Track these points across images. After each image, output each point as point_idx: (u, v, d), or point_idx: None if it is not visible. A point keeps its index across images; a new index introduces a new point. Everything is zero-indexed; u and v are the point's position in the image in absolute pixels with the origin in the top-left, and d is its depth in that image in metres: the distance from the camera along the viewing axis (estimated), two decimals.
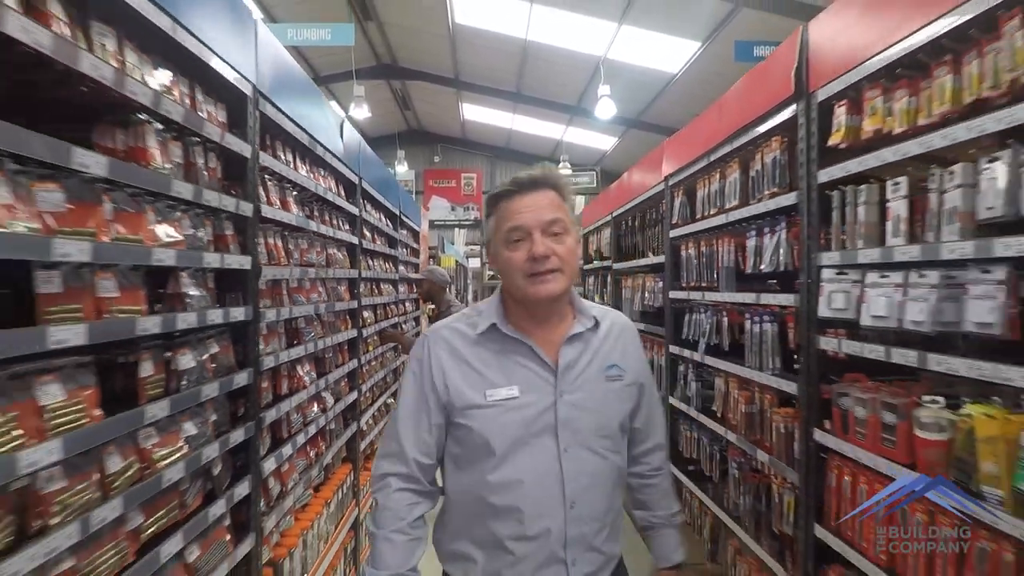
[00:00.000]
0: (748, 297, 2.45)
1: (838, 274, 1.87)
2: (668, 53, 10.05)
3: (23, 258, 1.04)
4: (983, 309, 1.36)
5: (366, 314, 3.73)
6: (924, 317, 1.51)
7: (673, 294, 3.39)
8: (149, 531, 1.44)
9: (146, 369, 1.47)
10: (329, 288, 2.96)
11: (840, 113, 1.86)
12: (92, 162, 1.18)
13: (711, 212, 2.88)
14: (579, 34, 9.98)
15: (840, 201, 1.88)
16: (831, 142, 1.89)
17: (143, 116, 1.44)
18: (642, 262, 4.07)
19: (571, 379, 1.25)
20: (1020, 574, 1.29)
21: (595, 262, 5.60)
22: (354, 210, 3.37)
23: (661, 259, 3.56)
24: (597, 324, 1.31)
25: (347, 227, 3.33)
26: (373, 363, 4.08)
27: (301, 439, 2.47)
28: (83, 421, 1.21)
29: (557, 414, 1.22)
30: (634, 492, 1.45)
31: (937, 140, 1.47)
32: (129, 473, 1.36)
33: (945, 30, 1.46)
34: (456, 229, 16.78)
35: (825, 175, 1.92)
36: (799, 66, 2.03)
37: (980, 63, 1.40)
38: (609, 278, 5.01)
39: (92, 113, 1.42)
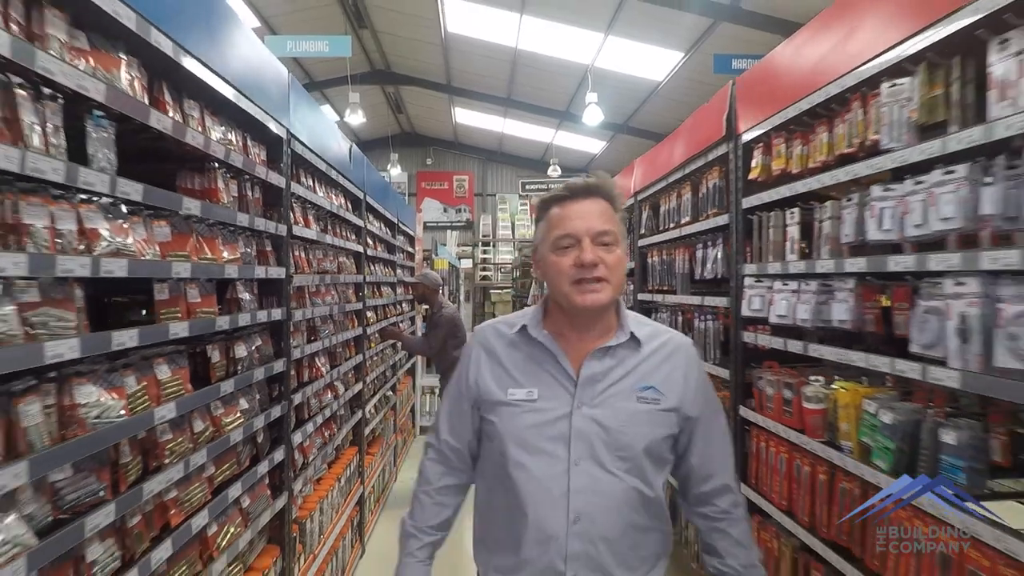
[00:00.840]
0: (695, 300, 2.95)
1: (756, 281, 2.38)
2: (653, 62, 10.57)
3: (153, 276, 1.53)
4: (841, 310, 1.87)
5: (369, 314, 4.22)
6: (808, 316, 2.02)
7: (641, 296, 3.89)
8: (219, 478, 1.92)
9: (215, 356, 1.95)
10: (339, 291, 3.44)
11: (757, 154, 2.37)
12: (192, 206, 1.66)
13: (670, 225, 3.38)
14: (567, 43, 10.47)
15: (758, 224, 2.39)
16: (751, 176, 2.39)
17: (215, 164, 1.92)
18: None
19: (594, 392, 1.22)
20: (863, 501, 1.79)
21: None
22: (359, 222, 3.85)
23: (631, 265, 4.07)
24: (636, 340, 1.26)
25: (353, 237, 3.81)
26: (375, 358, 4.56)
27: (319, 420, 2.95)
28: (181, 392, 1.69)
29: (572, 424, 1.20)
30: (703, 536, 1.35)
31: (814, 183, 1.98)
32: (207, 433, 1.84)
33: (821, 100, 1.96)
34: (448, 231, 17.25)
35: (747, 202, 2.42)
36: (729, 113, 2.53)
37: (843, 127, 1.91)
38: None
39: (166, 155, 1.88)
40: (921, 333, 1.55)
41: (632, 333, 1.26)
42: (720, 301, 2.69)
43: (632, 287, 4.12)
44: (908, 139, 1.61)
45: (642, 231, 3.86)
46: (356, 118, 10.64)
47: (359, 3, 10.39)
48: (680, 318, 3.31)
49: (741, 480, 2.51)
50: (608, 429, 1.20)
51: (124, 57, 1.44)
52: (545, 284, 1.28)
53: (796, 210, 2.13)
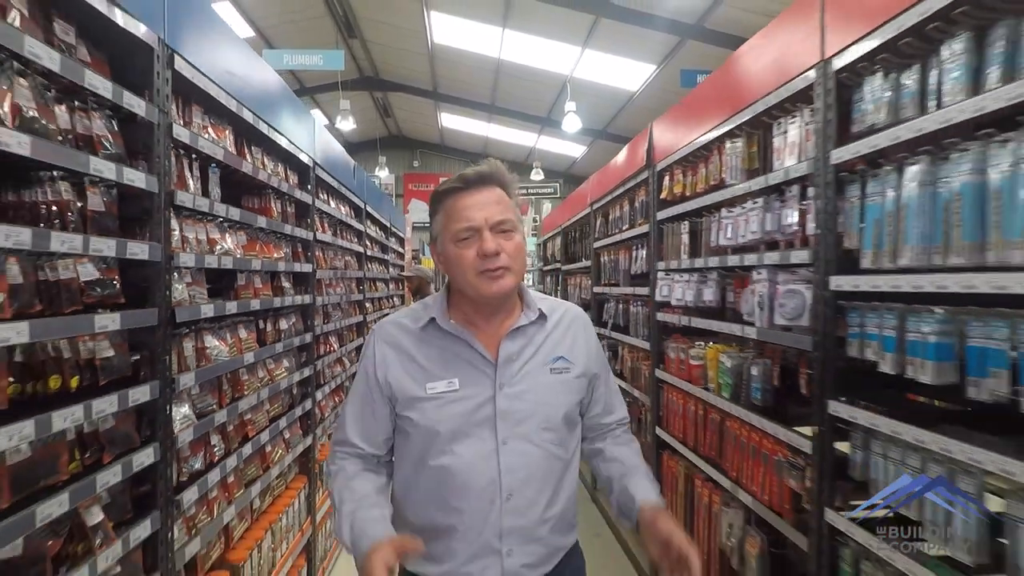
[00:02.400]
0: (630, 290, 3.84)
1: (664, 275, 3.26)
2: (628, 74, 11.51)
3: (239, 268, 2.37)
4: (709, 293, 2.76)
5: (368, 304, 5.07)
6: (692, 299, 2.90)
7: (596, 289, 4.78)
8: (272, 412, 2.76)
9: (268, 327, 2.79)
10: (346, 284, 4.29)
11: (666, 179, 3.25)
12: (262, 221, 2.51)
13: (616, 231, 4.26)
14: (548, 55, 11.37)
15: (668, 232, 3.27)
16: (662, 196, 3.27)
17: (269, 189, 2.77)
18: (580, 265, 5.46)
19: (512, 372, 1.29)
20: (723, 425, 2.66)
21: (551, 264, 6.99)
22: (361, 227, 4.70)
23: (589, 263, 4.95)
24: (544, 317, 1.35)
25: (355, 239, 4.66)
26: None
27: (330, 387, 3.80)
28: (253, 347, 2.53)
29: (496, 406, 1.25)
30: (603, 458, 1.47)
31: (694, 204, 2.86)
32: (265, 379, 2.68)
33: (698, 146, 2.84)
34: None
35: (660, 215, 3.30)
36: (648, 148, 3.42)
37: (710, 166, 2.79)
38: (560, 278, 6.41)
39: (234, 182, 2.72)
40: (745, 305, 2.43)
41: (540, 310, 1.35)
42: (644, 291, 3.57)
43: (590, 282, 5.00)
44: (740, 178, 2.49)
45: (596, 235, 4.74)
46: (347, 124, 11.46)
47: (349, 15, 11.21)
48: (622, 305, 4.20)
49: (656, 425, 3.39)
50: (531, 403, 1.28)
51: (228, 127, 2.29)
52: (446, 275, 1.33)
53: (687, 222, 3.01)
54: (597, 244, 4.72)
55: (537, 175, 16.13)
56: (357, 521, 1.22)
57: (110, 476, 1.50)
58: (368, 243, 5.12)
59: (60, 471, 1.39)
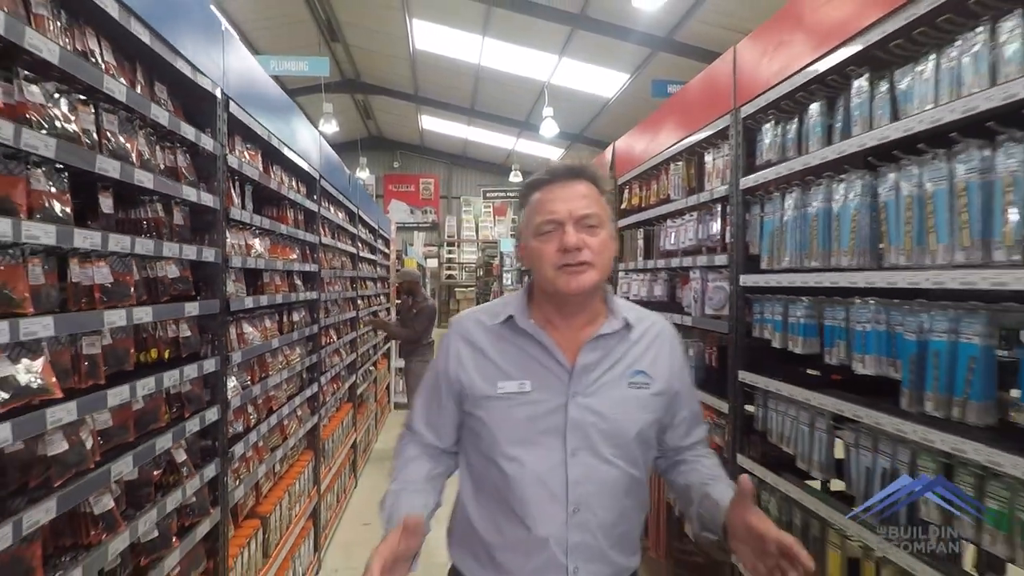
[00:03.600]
0: None
1: (625, 274, 3.84)
2: (603, 81, 12.12)
3: (267, 269, 2.88)
4: (658, 290, 3.34)
5: (360, 302, 5.58)
6: (645, 294, 3.48)
7: None
8: (289, 391, 3.28)
9: (285, 318, 3.30)
10: (341, 283, 4.80)
11: (627, 192, 3.83)
12: (284, 229, 3.02)
13: None
14: (526, 63, 11.93)
15: (627, 237, 3.85)
16: (623, 207, 3.85)
17: (286, 201, 3.28)
18: None
19: (588, 382, 1.24)
20: None
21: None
22: (354, 231, 5.21)
23: None
24: (629, 327, 1.29)
25: (349, 242, 5.17)
26: (363, 336, 5.92)
27: (331, 374, 4.31)
28: (276, 335, 3.04)
29: (568, 415, 1.22)
30: (679, 471, 1.39)
31: (648, 215, 3.44)
32: (284, 363, 3.19)
33: (649, 167, 3.42)
34: (415, 232, 18.53)
35: (622, 223, 3.88)
36: (612, 163, 3.99)
37: (660, 183, 3.37)
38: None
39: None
40: (685, 299, 3.01)
41: (626, 319, 1.29)
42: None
43: None
44: (682, 195, 3.07)
45: None
46: (330, 127, 11.89)
47: (332, 20, 11.65)
48: None
49: None
50: (604, 417, 1.23)
51: (259, 151, 2.81)
52: (531, 272, 1.29)
53: (642, 229, 3.59)
54: None
55: (516, 177, 16.69)
56: (397, 502, 1.23)
57: (192, 425, 2.02)
58: (360, 245, 5.63)
59: (160, 419, 1.90)
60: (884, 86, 1.73)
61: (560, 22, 9.85)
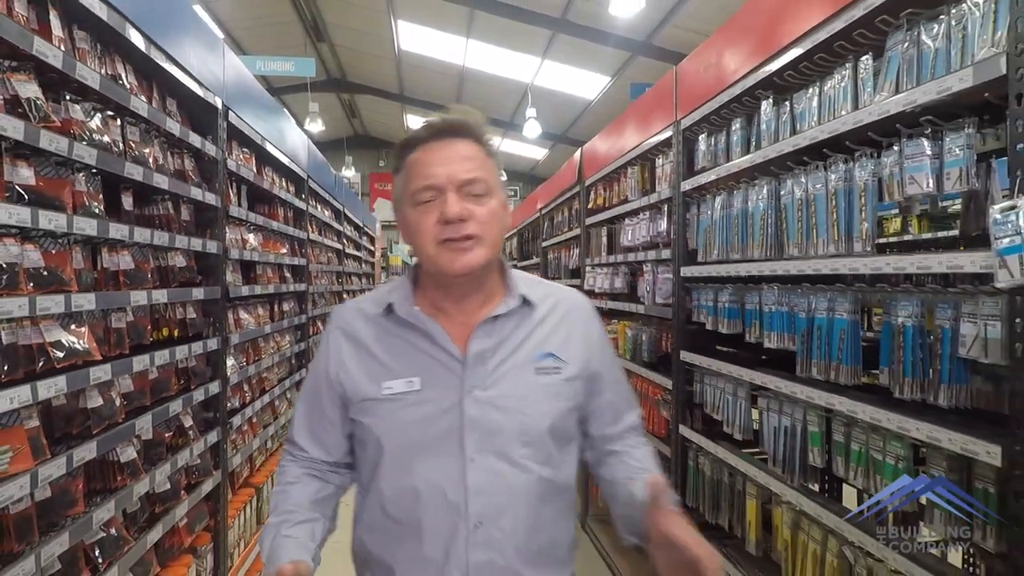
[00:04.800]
0: (567, 282, 4.77)
1: (591, 269, 4.19)
2: (585, 83, 12.50)
3: (261, 260, 3.20)
4: (619, 282, 3.69)
5: (345, 295, 5.89)
6: (607, 287, 3.83)
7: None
8: (279, 375, 3.60)
9: (276, 308, 3.62)
10: (328, 277, 5.12)
11: (592, 193, 4.19)
12: (277, 226, 3.34)
13: (558, 233, 5.19)
14: (509, 64, 12.28)
15: (594, 234, 4.20)
16: (590, 206, 4.21)
17: (278, 199, 3.59)
18: (532, 262, 6.38)
19: (485, 372, 1.07)
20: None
21: (509, 262, 7.90)
22: (340, 228, 5.53)
23: (538, 260, 5.87)
24: (529, 304, 1.13)
25: (335, 238, 5.49)
26: None
27: None
28: (268, 322, 3.36)
29: (464, 414, 1.05)
30: (607, 464, 1.22)
31: (610, 213, 3.79)
32: (275, 348, 3.51)
33: (612, 169, 3.77)
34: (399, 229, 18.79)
35: (588, 221, 4.23)
36: (580, 166, 4.35)
37: (622, 184, 3.72)
38: None
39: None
40: (640, 290, 3.37)
41: (523, 296, 1.13)
42: (577, 282, 4.50)
43: (539, 276, 5.92)
44: (637, 196, 3.42)
45: (544, 236, 5.67)
46: (315, 126, 12.17)
47: (318, 20, 11.93)
48: None
49: None
50: (508, 411, 1.07)
51: (253, 154, 3.12)
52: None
53: (606, 227, 3.95)
54: (545, 243, 5.64)
55: (502, 177, 17.03)
56: (275, 542, 1.06)
57: (198, 395, 2.34)
58: (345, 241, 5.95)
59: (171, 388, 2.22)
60: (786, 107, 2.09)
61: (542, 26, 10.20)
